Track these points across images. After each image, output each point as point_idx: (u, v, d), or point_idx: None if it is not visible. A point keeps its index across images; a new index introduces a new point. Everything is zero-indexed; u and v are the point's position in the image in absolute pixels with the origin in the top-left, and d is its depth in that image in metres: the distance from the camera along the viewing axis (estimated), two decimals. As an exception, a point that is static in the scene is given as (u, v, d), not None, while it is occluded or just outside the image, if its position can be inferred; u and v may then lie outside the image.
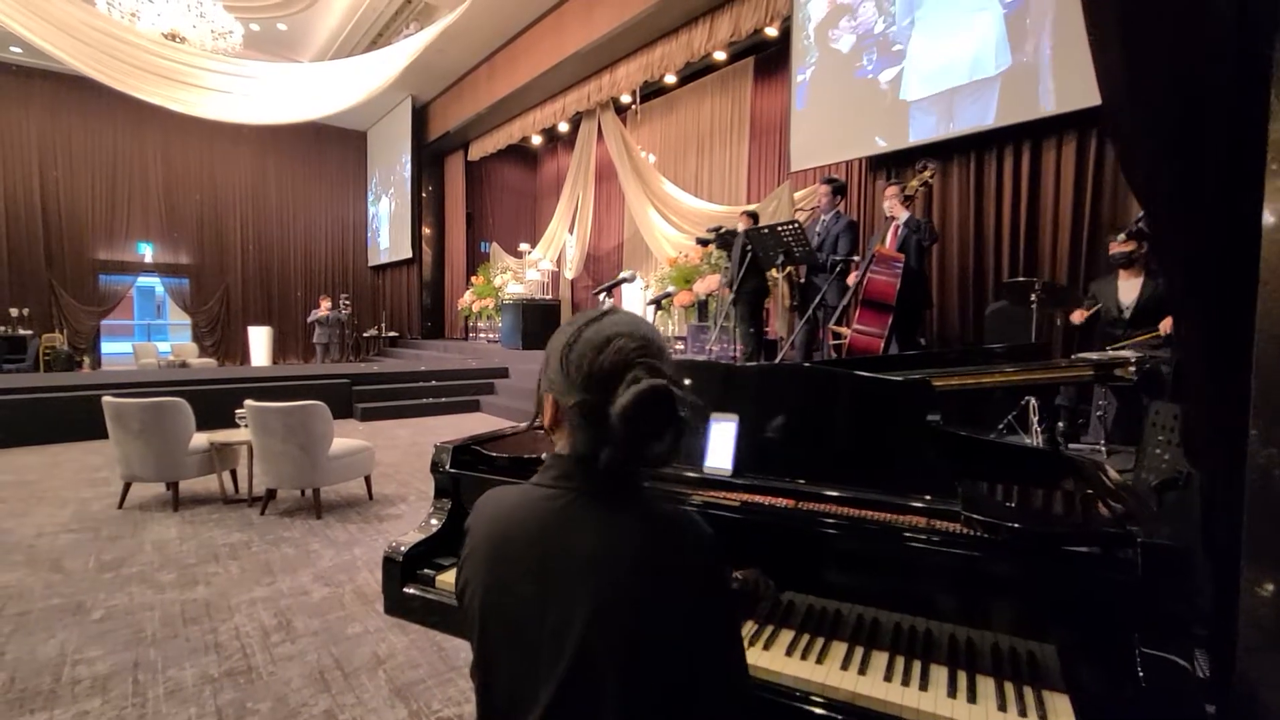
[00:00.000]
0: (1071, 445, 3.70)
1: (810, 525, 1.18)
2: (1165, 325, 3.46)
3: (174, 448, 4.02)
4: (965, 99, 5.08)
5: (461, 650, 2.38)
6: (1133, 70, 0.68)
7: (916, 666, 1.06)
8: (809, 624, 1.18)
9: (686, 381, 1.46)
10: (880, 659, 1.09)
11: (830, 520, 1.17)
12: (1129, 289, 3.68)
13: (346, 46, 10.86)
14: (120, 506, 4.12)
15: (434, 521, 1.56)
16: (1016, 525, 1.04)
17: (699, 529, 0.77)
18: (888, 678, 1.04)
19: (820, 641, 1.14)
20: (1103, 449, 3.45)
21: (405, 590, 1.43)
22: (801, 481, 1.31)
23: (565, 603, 0.72)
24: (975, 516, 1.08)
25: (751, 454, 1.35)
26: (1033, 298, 3.52)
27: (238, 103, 9.23)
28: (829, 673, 1.05)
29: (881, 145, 5.74)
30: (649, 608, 0.71)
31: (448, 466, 1.58)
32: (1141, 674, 0.88)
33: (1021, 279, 3.74)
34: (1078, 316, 3.98)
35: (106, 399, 4.00)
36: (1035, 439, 3.65)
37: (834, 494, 1.25)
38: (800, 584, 1.19)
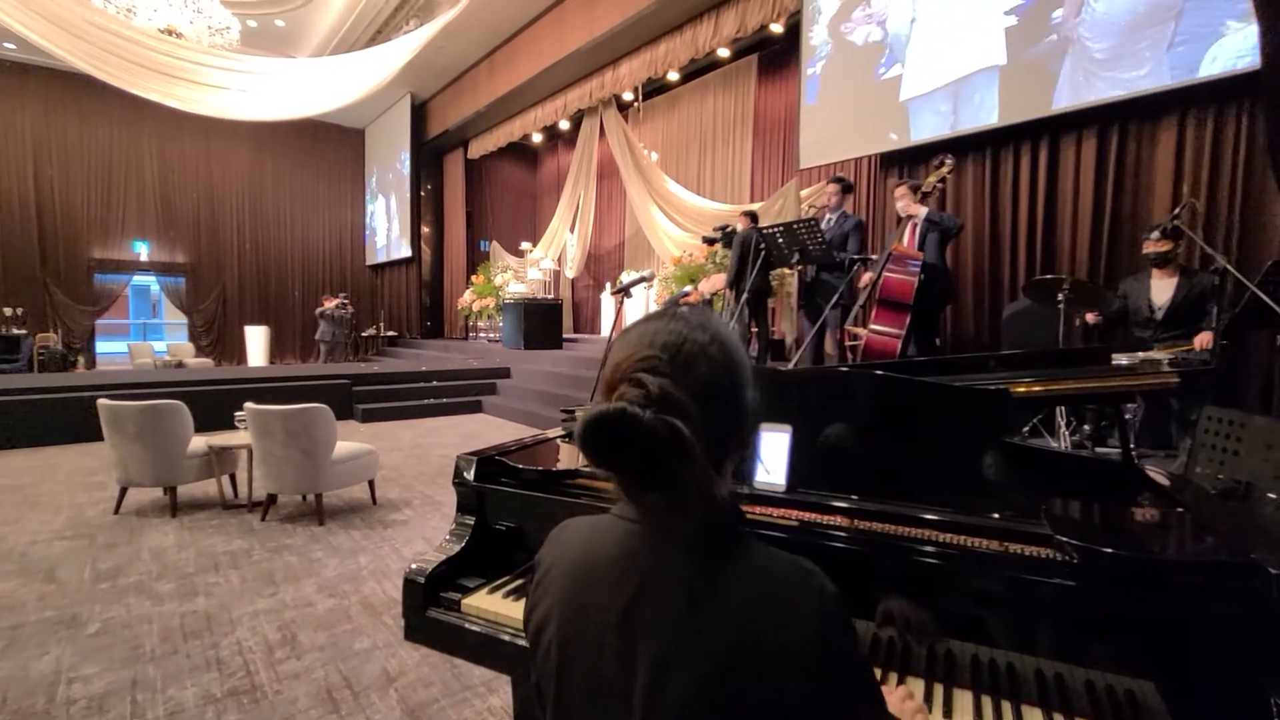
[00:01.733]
0: (1099, 449, 3.61)
1: (878, 548, 1.07)
2: (1202, 340, 3.32)
3: (172, 451, 3.90)
4: (976, 94, 4.99)
5: (475, 668, 2.27)
6: None
7: (1008, 709, 0.96)
8: (876, 656, 1.08)
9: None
10: (964, 699, 0.99)
11: (903, 543, 1.06)
12: (1162, 289, 3.57)
13: (345, 43, 10.73)
14: (116, 512, 4.00)
15: (454, 538, 1.45)
16: (1122, 552, 0.93)
17: (820, 585, 0.61)
18: (978, 722, 0.93)
19: (894, 678, 1.04)
20: (1133, 454, 3.36)
21: (429, 615, 1.32)
22: (859, 498, 1.21)
23: (655, 667, 0.60)
24: (1069, 541, 0.97)
25: (807, 468, 1.24)
26: (1060, 297, 3.42)
27: (235, 99, 9.11)
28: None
29: (894, 141, 5.64)
30: (757, 689, 0.57)
31: (471, 479, 1.47)
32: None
33: (1049, 277, 3.63)
34: (1090, 317, 3.89)
35: (102, 402, 3.88)
36: (1063, 443, 3.56)
37: (902, 513, 1.14)
38: (865, 612, 1.08)
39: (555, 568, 0.71)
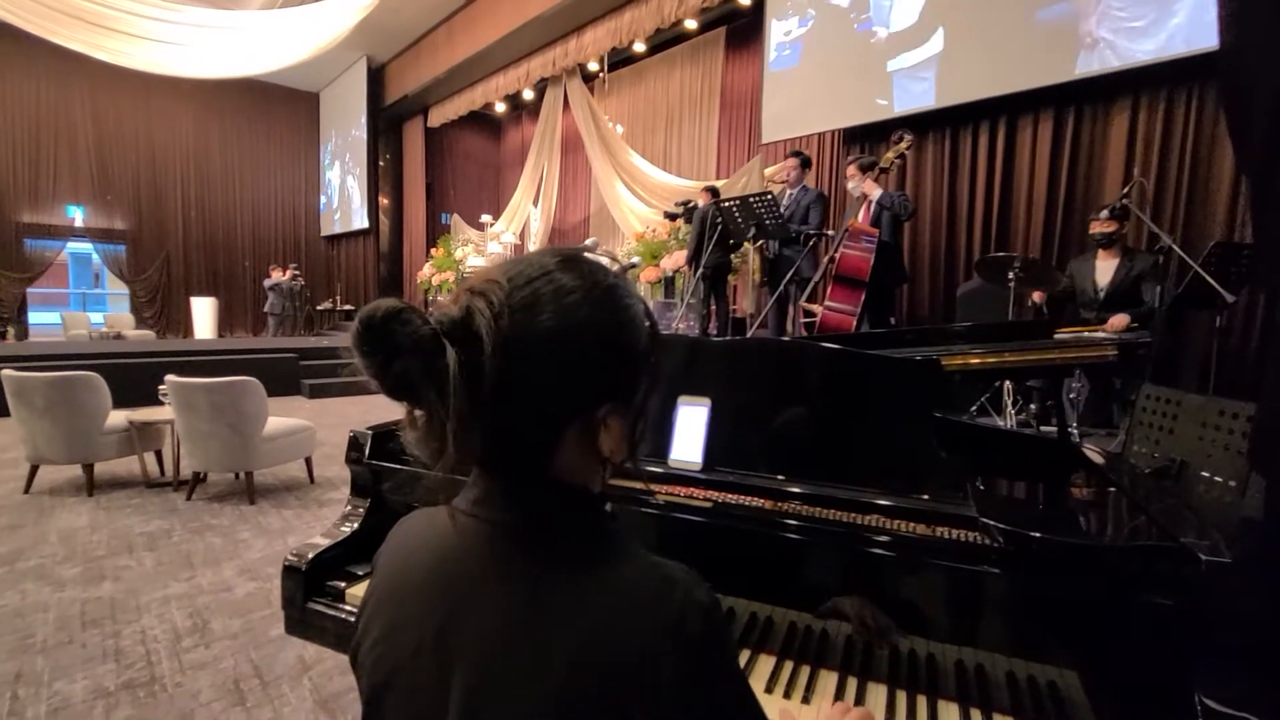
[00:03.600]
0: (1043, 428, 3.63)
1: (797, 531, 0.98)
2: (1115, 324, 3.31)
3: (87, 426, 3.64)
4: (942, 71, 4.92)
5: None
6: None
7: (923, 704, 0.88)
8: (790, 648, 0.99)
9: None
10: (878, 694, 0.91)
11: (822, 526, 0.98)
12: (1106, 269, 3.58)
13: (293, 1, 10.12)
14: (26, 491, 3.74)
15: (347, 525, 1.32)
16: (1048, 536, 0.86)
17: (684, 596, 0.49)
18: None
19: (806, 671, 0.95)
20: (1075, 431, 3.38)
21: (310, 606, 1.19)
22: (784, 478, 1.11)
23: (469, 701, 0.47)
24: (996, 525, 0.89)
25: (726, 445, 1.14)
26: (1011, 275, 3.40)
27: (172, 53, 8.54)
28: (820, 715, 0.86)
29: (858, 117, 5.56)
30: None
31: (366, 457, 1.34)
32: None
33: (1000, 255, 3.61)
34: (1038, 296, 3.88)
35: (6, 373, 3.60)
36: (1009, 421, 3.57)
37: (824, 494, 1.05)
38: (782, 598, 1.00)
39: (378, 574, 0.59)
